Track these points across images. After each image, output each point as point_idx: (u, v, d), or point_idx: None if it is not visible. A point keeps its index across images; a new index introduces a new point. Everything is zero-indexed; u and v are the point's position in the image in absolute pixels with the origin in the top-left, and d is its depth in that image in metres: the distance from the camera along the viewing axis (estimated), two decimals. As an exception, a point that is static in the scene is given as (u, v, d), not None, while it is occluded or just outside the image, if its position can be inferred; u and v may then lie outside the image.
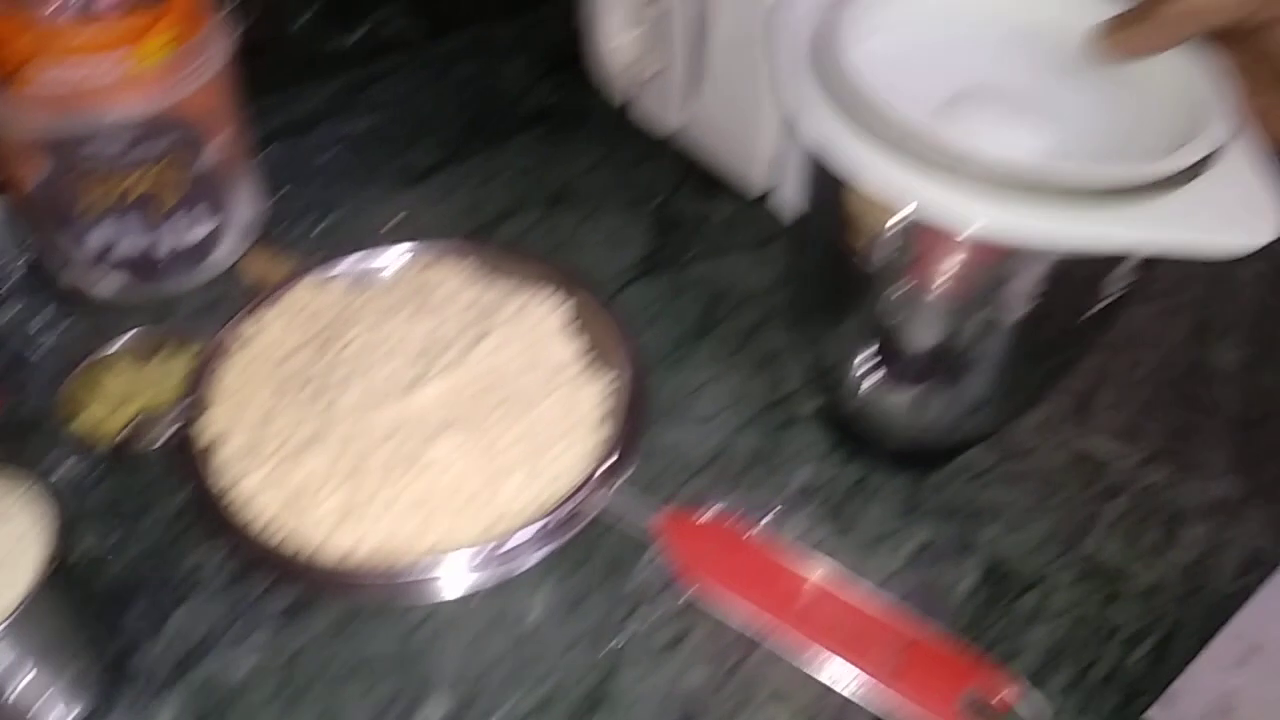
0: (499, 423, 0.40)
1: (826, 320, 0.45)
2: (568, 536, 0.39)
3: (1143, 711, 0.42)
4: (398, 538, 0.38)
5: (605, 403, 0.43)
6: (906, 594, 0.45)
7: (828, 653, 0.33)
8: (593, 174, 0.64)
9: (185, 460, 0.42)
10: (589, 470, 0.40)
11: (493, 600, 0.43)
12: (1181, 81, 0.38)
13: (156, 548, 0.44)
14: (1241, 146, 0.36)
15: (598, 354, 0.45)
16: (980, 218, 0.33)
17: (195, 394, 0.44)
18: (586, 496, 0.39)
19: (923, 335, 0.40)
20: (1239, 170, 0.35)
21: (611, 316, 0.45)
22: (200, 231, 0.52)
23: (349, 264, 0.48)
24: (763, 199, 0.62)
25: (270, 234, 0.57)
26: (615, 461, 0.40)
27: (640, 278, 0.58)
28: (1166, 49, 0.38)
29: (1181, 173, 0.34)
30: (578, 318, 0.46)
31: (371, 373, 0.41)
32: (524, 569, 0.40)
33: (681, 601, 0.43)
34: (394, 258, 0.48)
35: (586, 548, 0.45)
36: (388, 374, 0.41)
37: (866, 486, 0.48)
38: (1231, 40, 0.38)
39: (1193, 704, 0.44)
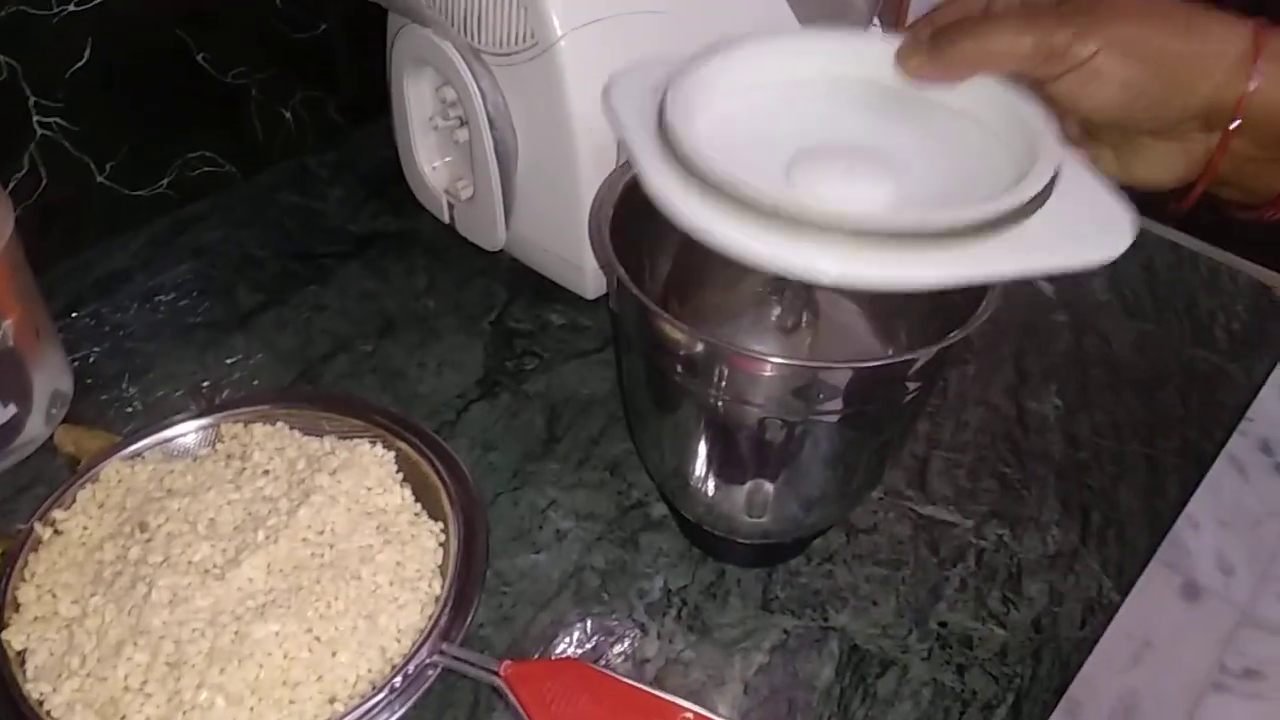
0: (328, 589, 0.39)
1: (659, 427, 0.45)
2: (414, 698, 0.38)
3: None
4: (230, 731, 0.36)
5: (440, 551, 0.42)
6: (772, 690, 0.45)
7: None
8: (424, 296, 0.64)
9: (-6, 675, 0.39)
10: (427, 626, 0.39)
11: (348, 771, 0.41)
12: (1010, 114, 0.40)
13: (-27, 772, 0.41)
14: (1074, 167, 0.38)
15: (430, 498, 0.44)
16: (834, 269, 0.33)
17: (2, 598, 0.41)
18: (428, 655, 0.38)
19: (747, 440, 0.41)
20: (1079, 189, 0.37)
21: (439, 459, 0.44)
22: (1, 416, 0.49)
23: (163, 435, 0.46)
24: (600, 299, 0.63)
25: (82, 406, 0.55)
26: (453, 613, 0.39)
27: (480, 399, 0.57)
28: (951, 83, 0.41)
29: (1026, 204, 0.35)
30: (407, 462, 0.45)
31: (188, 554, 0.40)
32: (374, 736, 0.38)
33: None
34: (209, 423, 0.46)
35: (441, 699, 0.43)
36: (204, 554, 0.40)
37: (723, 586, 0.49)
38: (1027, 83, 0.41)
39: (1096, 710, 0.45)
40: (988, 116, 0.41)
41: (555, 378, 0.59)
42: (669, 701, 0.38)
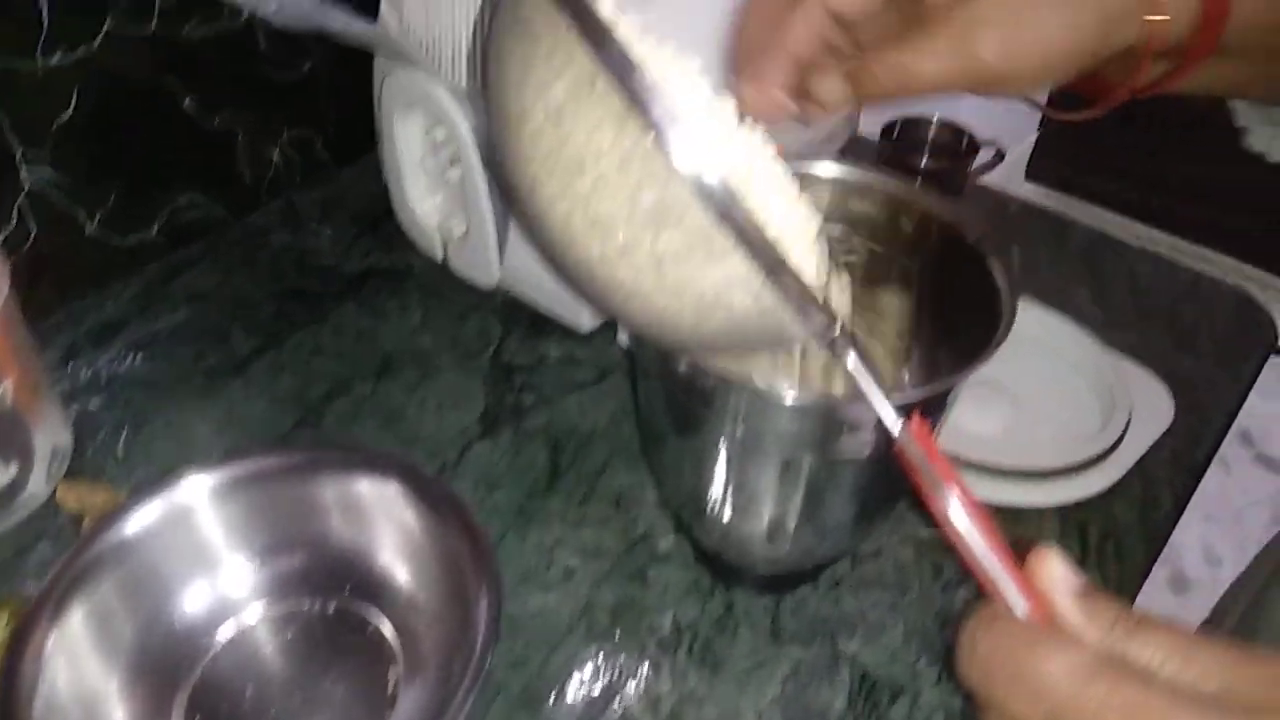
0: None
1: (677, 457, 0.45)
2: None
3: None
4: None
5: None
6: (786, 721, 0.45)
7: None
8: (420, 333, 0.64)
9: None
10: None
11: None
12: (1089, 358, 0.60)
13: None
14: None
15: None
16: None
17: (18, 664, 0.41)
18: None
19: (769, 472, 0.41)
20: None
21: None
22: (3, 476, 0.49)
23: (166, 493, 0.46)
24: (594, 333, 0.63)
25: (82, 460, 0.55)
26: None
27: (482, 437, 0.57)
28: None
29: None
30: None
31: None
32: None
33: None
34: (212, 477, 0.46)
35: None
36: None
37: (732, 618, 0.49)
38: None
39: (1189, 557, 0.47)
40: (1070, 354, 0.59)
41: (556, 412, 0.59)
42: None
